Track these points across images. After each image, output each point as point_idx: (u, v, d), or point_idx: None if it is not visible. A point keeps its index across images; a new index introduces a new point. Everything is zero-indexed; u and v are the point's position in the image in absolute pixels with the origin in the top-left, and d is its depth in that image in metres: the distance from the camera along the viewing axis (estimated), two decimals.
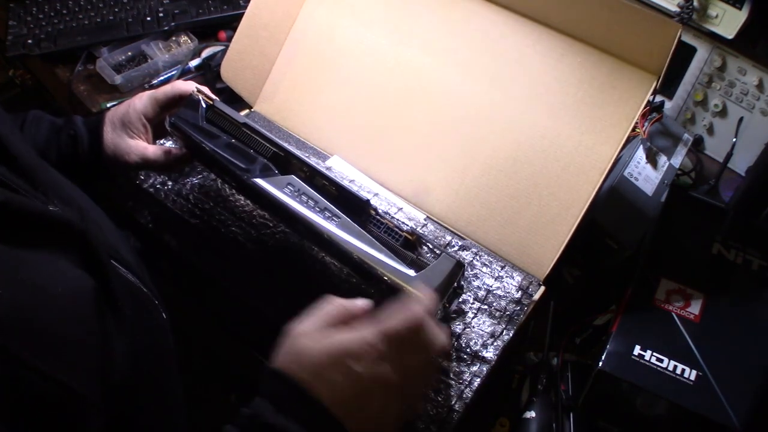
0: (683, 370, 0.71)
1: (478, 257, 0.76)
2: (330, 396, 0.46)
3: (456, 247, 0.77)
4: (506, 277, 0.75)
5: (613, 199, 0.87)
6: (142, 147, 0.75)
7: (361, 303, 0.52)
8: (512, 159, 0.79)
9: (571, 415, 0.76)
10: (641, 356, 0.72)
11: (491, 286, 0.74)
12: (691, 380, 0.70)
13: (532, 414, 0.75)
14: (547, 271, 0.75)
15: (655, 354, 0.72)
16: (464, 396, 0.66)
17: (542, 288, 0.75)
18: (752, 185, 0.87)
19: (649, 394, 0.70)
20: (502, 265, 0.76)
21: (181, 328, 0.64)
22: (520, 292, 0.73)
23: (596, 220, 0.83)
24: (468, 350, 0.69)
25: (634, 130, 0.99)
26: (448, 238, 0.78)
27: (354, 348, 0.47)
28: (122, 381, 0.48)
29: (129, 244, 0.63)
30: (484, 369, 0.68)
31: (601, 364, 0.71)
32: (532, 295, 0.74)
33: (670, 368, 0.71)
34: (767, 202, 0.84)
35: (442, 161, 0.82)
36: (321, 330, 0.49)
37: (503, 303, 0.72)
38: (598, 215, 0.83)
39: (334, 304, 0.51)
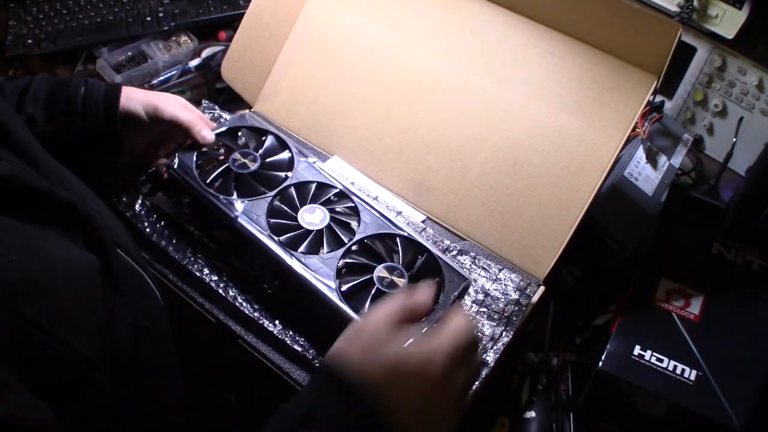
0: (683, 370, 0.71)
1: (476, 261, 0.76)
2: (392, 410, 0.47)
3: (454, 252, 0.77)
4: (504, 278, 0.75)
5: (613, 199, 0.87)
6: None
7: (422, 296, 0.53)
8: (512, 159, 0.79)
9: (571, 415, 0.76)
10: (641, 356, 0.72)
11: (489, 289, 0.74)
12: (691, 380, 0.70)
13: (532, 414, 0.75)
14: (547, 271, 0.75)
15: (655, 354, 0.72)
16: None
17: (542, 288, 0.75)
18: (752, 185, 0.87)
19: (649, 394, 0.70)
20: (500, 267, 0.76)
21: (181, 329, 0.64)
22: (518, 292, 0.73)
23: (596, 220, 0.83)
24: None
25: (634, 130, 0.99)
26: (447, 242, 0.77)
27: (420, 364, 0.48)
28: (125, 355, 0.49)
29: (127, 232, 0.63)
30: (483, 372, 0.68)
31: (601, 364, 0.71)
32: (530, 296, 0.74)
33: (670, 368, 0.71)
34: (767, 202, 0.84)
35: (443, 161, 0.82)
36: (390, 330, 0.50)
37: (501, 305, 0.72)
38: (598, 215, 0.83)
39: (399, 302, 0.51)
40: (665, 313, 0.76)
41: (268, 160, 0.78)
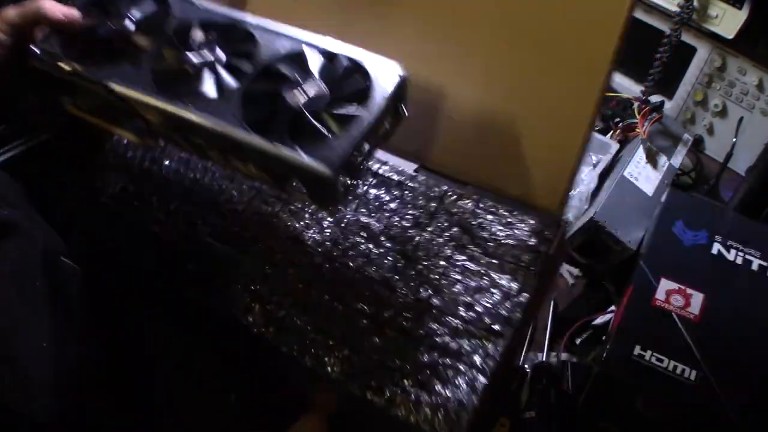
0: (683, 370, 0.71)
1: (481, 204, 0.65)
2: None
3: (454, 197, 0.66)
4: (517, 222, 0.64)
5: (613, 199, 0.87)
6: None
7: None
8: (501, 98, 0.66)
9: (571, 415, 0.76)
10: (641, 356, 0.72)
11: (499, 236, 0.63)
12: (691, 380, 0.70)
13: (532, 414, 0.75)
14: (563, 193, 0.64)
15: (655, 354, 0.72)
16: (492, 354, 0.57)
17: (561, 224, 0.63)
18: (752, 185, 0.87)
19: (649, 394, 0.70)
20: (510, 209, 0.65)
21: (179, 329, 0.64)
22: (535, 238, 0.63)
23: (596, 219, 0.83)
24: (485, 316, 0.59)
25: (633, 130, 0.99)
26: (444, 187, 0.67)
27: None
28: (78, 378, 0.49)
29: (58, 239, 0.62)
30: (507, 332, 0.58)
31: (601, 364, 0.71)
32: (550, 240, 0.62)
33: (670, 368, 0.71)
34: (767, 202, 0.84)
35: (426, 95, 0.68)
36: None
37: (517, 252, 0.62)
38: (598, 215, 0.83)
39: None
40: (665, 313, 0.76)
41: (138, 17, 0.63)
